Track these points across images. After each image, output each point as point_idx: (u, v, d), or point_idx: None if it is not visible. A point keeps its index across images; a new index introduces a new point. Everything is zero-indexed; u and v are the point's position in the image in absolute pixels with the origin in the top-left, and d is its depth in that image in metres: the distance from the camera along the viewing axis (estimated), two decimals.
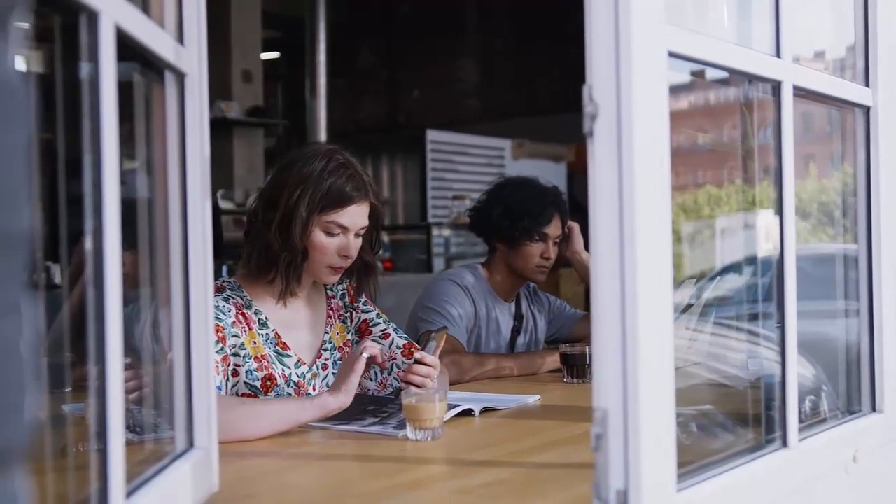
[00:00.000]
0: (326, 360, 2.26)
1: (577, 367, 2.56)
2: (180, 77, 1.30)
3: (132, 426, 1.25)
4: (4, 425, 0.52)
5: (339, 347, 2.29)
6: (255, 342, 2.12)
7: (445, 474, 1.63)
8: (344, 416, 1.96)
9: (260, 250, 2.13)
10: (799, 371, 1.51)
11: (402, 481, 1.55)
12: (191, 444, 1.32)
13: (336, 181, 2.09)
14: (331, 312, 2.31)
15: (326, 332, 2.28)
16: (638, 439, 1.11)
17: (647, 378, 1.12)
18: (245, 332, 2.11)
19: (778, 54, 1.46)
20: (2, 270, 0.52)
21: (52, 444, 1.10)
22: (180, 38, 1.30)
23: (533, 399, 2.28)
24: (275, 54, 9.56)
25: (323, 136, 7.81)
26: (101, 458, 0.96)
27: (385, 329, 2.32)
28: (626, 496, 1.12)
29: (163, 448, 1.31)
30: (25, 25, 0.61)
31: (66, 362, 1.40)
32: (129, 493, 1.04)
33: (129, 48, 1.07)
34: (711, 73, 1.49)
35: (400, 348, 2.29)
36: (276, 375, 2.12)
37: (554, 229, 2.91)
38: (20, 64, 0.58)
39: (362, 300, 2.35)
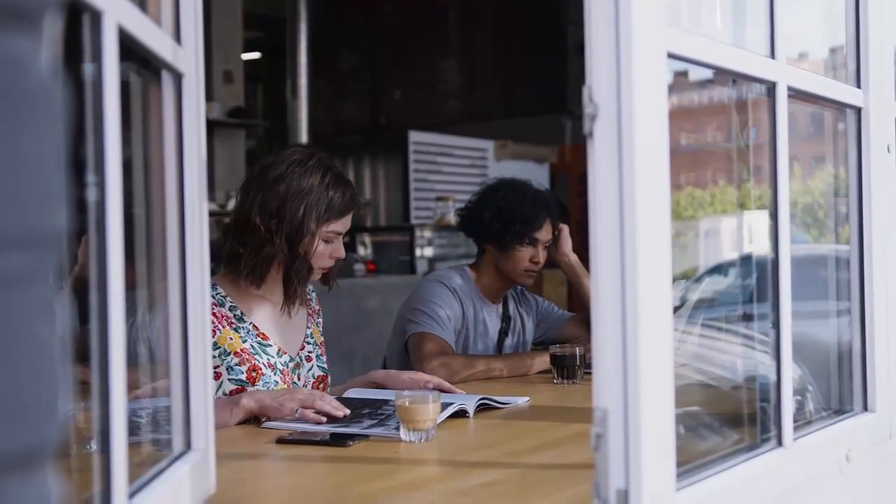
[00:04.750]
0: (310, 352, 2.31)
1: (567, 368, 2.57)
2: (178, 77, 1.29)
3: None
4: (39, 425, 0.52)
5: (320, 344, 2.35)
6: (231, 338, 2.13)
7: (442, 475, 1.63)
8: (341, 420, 1.95)
9: (262, 260, 2.15)
10: None
11: (399, 482, 1.55)
12: (188, 445, 1.32)
13: (336, 194, 2.18)
14: (310, 311, 2.37)
15: (308, 328, 2.33)
16: (639, 439, 1.11)
17: (648, 377, 1.12)
18: (219, 329, 2.11)
19: (773, 55, 1.47)
20: (37, 270, 0.52)
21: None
22: (177, 38, 1.29)
23: (523, 400, 2.28)
24: (256, 55, 9.52)
25: (304, 137, 7.77)
26: (103, 459, 0.96)
27: (319, 352, 2.38)
28: (627, 495, 1.12)
29: (159, 450, 1.30)
30: (57, 27, 0.60)
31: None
32: (131, 495, 1.03)
33: (126, 47, 1.06)
34: (694, 74, 1.49)
35: (314, 378, 2.33)
36: (261, 365, 2.15)
37: (545, 234, 2.91)
38: (52, 65, 0.58)
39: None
